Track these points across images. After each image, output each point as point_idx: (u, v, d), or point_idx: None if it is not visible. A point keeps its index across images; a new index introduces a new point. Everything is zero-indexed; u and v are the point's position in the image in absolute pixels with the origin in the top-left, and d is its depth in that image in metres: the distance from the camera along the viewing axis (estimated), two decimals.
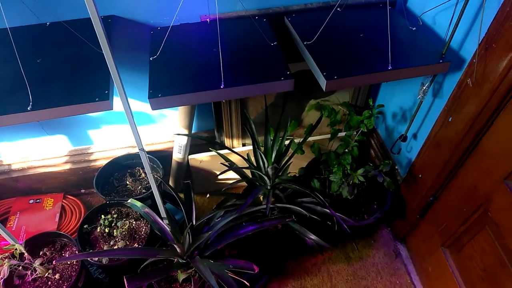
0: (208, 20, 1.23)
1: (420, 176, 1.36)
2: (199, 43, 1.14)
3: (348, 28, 1.18)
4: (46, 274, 1.28)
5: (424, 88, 1.18)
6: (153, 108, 0.97)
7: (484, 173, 1.07)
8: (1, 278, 1.22)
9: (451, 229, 1.27)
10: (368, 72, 1.00)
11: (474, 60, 0.98)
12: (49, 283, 1.27)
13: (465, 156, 1.14)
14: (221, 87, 0.96)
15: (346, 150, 1.43)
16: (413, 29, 1.16)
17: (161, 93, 0.96)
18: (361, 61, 1.05)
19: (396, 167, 1.56)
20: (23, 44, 1.09)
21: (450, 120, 1.14)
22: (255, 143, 1.37)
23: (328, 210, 1.31)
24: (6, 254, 1.26)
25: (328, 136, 1.64)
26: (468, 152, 1.12)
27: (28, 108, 0.90)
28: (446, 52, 1.06)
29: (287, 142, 1.40)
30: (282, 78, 0.99)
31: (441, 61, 1.04)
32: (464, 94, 1.06)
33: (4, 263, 1.23)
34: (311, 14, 1.26)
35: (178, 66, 1.05)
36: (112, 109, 0.94)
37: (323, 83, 0.99)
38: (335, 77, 0.98)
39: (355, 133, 1.42)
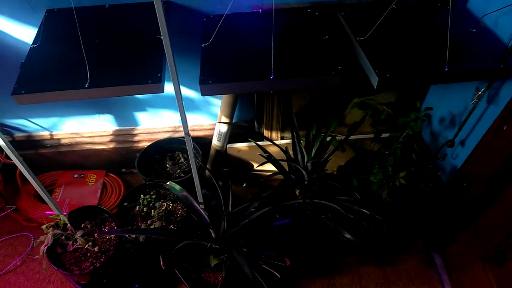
0: (260, 10, 1.23)
1: (465, 184, 1.31)
2: (251, 33, 1.14)
3: (403, 26, 1.15)
4: (86, 246, 1.34)
5: (479, 93, 1.13)
6: (203, 94, 0.99)
7: None
8: (45, 245, 1.28)
9: (494, 243, 1.22)
10: (423, 72, 0.97)
11: None
12: (88, 254, 1.33)
13: None
14: (271, 78, 0.96)
15: (388, 152, 1.40)
16: (473, 31, 1.11)
17: (211, 79, 0.97)
18: (416, 61, 1.01)
19: (439, 173, 1.51)
20: (83, 24, 1.12)
21: (504, 128, 1.09)
22: (295, 137, 1.37)
23: (366, 211, 1.29)
24: (51, 224, 1.32)
25: (370, 136, 1.62)
26: None
27: (86, 86, 0.94)
28: (507, 57, 1.00)
29: (328, 138, 1.39)
30: (333, 73, 0.98)
31: (502, 66, 0.99)
32: None
33: (49, 232, 1.29)
34: (365, 10, 1.23)
35: (229, 55, 1.06)
36: (163, 92, 0.97)
37: (374, 80, 0.97)
38: (388, 75, 0.95)
39: (398, 135, 1.38)
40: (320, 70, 0.99)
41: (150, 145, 1.65)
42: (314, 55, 1.05)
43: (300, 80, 0.98)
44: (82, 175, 1.78)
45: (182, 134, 1.04)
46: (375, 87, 0.98)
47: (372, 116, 1.46)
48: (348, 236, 1.37)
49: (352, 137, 1.62)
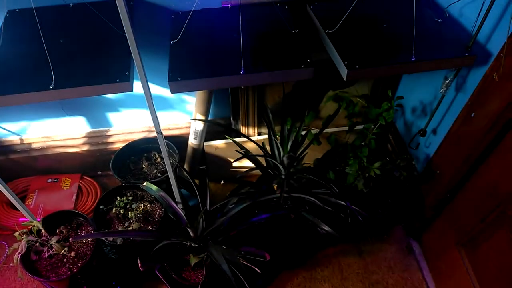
0: (229, 5, 1.22)
1: (438, 172, 1.34)
2: (220, 28, 1.13)
3: (371, 17, 1.16)
4: (62, 252, 1.31)
5: (447, 81, 1.15)
6: (172, 91, 0.98)
7: (506, 171, 1.05)
8: (19, 253, 1.25)
9: (467, 227, 1.25)
10: (391, 62, 0.99)
11: (502, 54, 0.95)
12: (65, 260, 1.30)
13: (486, 153, 1.11)
14: (241, 72, 0.96)
15: (363, 143, 1.42)
16: (439, 20, 1.13)
17: (180, 76, 0.96)
18: (384, 52, 1.03)
19: (413, 162, 1.53)
20: (47, 24, 1.10)
21: (472, 115, 1.11)
22: (271, 132, 1.37)
23: (342, 202, 1.30)
24: (24, 230, 1.29)
25: (345, 128, 1.63)
26: (490, 149, 1.10)
27: (50, 87, 0.91)
28: (472, 46, 1.03)
29: (303, 132, 1.40)
30: (303, 66, 0.99)
31: (466, 54, 1.01)
32: (489, 89, 1.03)
33: (22, 239, 1.26)
34: (333, 2, 1.23)
35: (199, 51, 1.05)
36: (132, 91, 0.95)
37: (344, 72, 0.98)
38: (357, 66, 0.96)
39: (373, 126, 1.40)
40: (290, 63, 0.99)
41: (125, 146, 1.62)
42: (284, 49, 1.05)
43: (270, 74, 0.97)
44: (56, 180, 1.73)
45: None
46: (344, 79, 0.98)
47: (346, 108, 1.47)
48: (326, 228, 1.38)
49: (328, 130, 1.64)
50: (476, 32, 1.01)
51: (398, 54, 1.01)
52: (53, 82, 0.92)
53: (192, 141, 1.62)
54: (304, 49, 1.05)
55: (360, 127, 1.49)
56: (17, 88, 0.91)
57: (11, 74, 0.96)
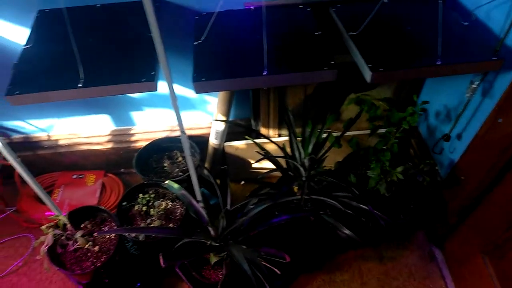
0: (252, 7, 1.23)
1: (462, 178, 1.31)
2: (243, 29, 1.14)
3: (395, 20, 1.15)
4: (86, 246, 1.34)
5: (473, 86, 1.13)
6: (197, 91, 0.99)
7: None
8: (46, 246, 1.29)
9: (493, 235, 1.21)
10: (415, 65, 0.97)
11: None
12: (89, 254, 1.34)
13: None
14: (264, 74, 0.97)
15: (385, 147, 1.40)
16: (465, 24, 1.11)
17: (205, 77, 0.98)
18: (408, 54, 1.02)
19: (436, 168, 1.50)
20: (76, 24, 1.13)
21: (499, 121, 1.09)
22: (292, 134, 1.37)
23: (364, 206, 1.29)
24: (51, 224, 1.33)
25: (367, 131, 1.61)
26: None
27: (79, 85, 0.94)
28: (500, 49, 1.00)
29: (324, 135, 1.39)
30: (326, 68, 0.98)
31: (494, 58, 0.99)
32: None
33: (49, 232, 1.30)
34: (356, 5, 1.23)
35: (222, 52, 1.07)
36: (156, 90, 0.97)
37: (368, 75, 0.97)
38: (381, 69, 0.96)
39: (395, 130, 1.38)
40: (313, 65, 1.00)
41: (148, 144, 1.65)
42: (307, 51, 1.05)
43: (292, 75, 0.98)
44: (81, 176, 1.78)
45: (179, 133, 1.05)
46: (368, 82, 0.98)
47: (368, 111, 1.45)
48: (347, 232, 1.37)
49: (349, 133, 1.62)
50: (504, 35, 0.99)
51: (423, 57, 0.99)
52: (81, 80, 0.95)
53: (213, 141, 1.64)
54: (327, 51, 1.05)
55: (382, 130, 1.47)
56: (48, 86, 0.95)
57: (42, 72, 1.00)
